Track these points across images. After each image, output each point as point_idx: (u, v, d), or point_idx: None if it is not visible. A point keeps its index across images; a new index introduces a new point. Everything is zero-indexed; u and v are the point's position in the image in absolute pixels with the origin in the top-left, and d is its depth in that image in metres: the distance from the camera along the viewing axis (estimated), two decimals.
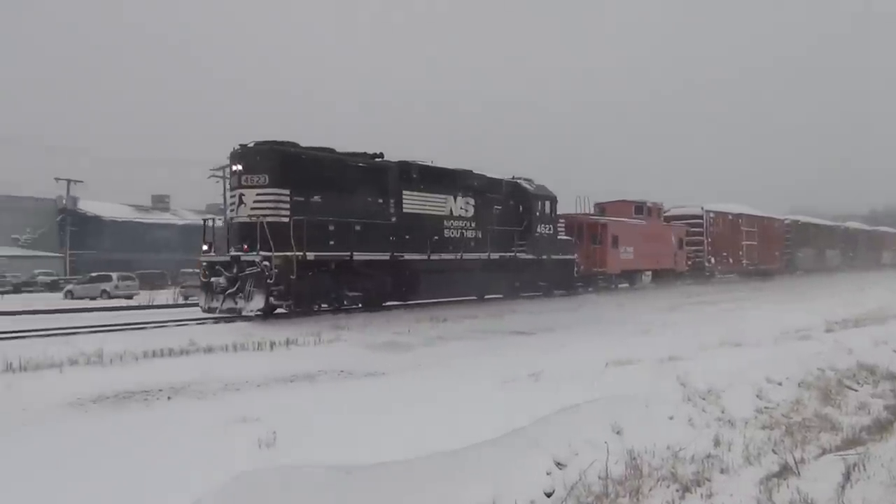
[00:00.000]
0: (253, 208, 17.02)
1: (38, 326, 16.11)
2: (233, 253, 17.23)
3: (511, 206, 25.17)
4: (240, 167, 17.33)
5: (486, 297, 24.47)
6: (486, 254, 23.30)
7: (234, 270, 16.80)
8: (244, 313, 16.53)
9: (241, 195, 17.28)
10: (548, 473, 5.40)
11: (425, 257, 20.70)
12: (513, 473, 5.22)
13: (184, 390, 8.65)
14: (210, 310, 17.09)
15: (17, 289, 47.80)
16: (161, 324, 16.20)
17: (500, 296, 24.74)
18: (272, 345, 12.29)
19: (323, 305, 18.57)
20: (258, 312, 16.69)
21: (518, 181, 26.19)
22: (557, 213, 27.47)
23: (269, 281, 16.22)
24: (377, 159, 20.28)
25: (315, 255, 17.19)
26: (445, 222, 22.02)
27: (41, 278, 52.45)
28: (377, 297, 19.89)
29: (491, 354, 11.80)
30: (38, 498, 4.81)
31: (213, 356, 11.24)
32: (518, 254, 24.72)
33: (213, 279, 17.09)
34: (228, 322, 16.41)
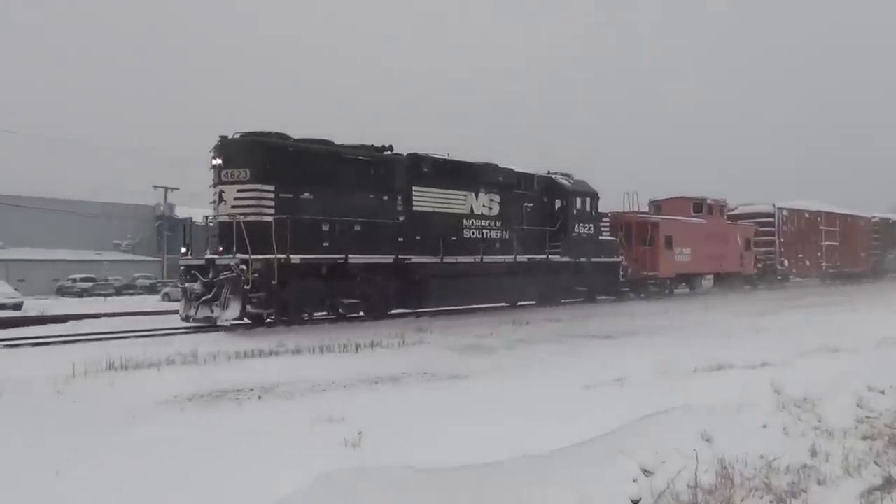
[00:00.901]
0: (233, 206, 15.45)
1: (139, 327, 16.86)
2: (207, 256, 15.82)
3: (544, 203, 23.04)
4: (220, 161, 15.74)
5: (519, 303, 22.36)
6: (513, 256, 21.25)
7: (210, 275, 15.33)
8: (219, 323, 15.06)
9: (220, 192, 15.76)
10: (634, 480, 5.31)
11: (437, 260, 18.79)
12: (598, 479, 5.15)
13: (273, 390, 8.90)
14: (187, 318, 15.63)
15: (118, 291, 50.50)
16: (250, 325, 16.67)
17: (533, 302, 22.66)
18: (357, 347, 12.51)
19: (318, 314, 17.02)
20: (235, 322, 15.28)
21: (553, 176, 23.87)
22: (600, 211, 25.25)
23: (245, 287, 14.67)
24: (385, 152, 18.56)
25: (301, 258, 15.60)
26: (465, 221, 20.07)
27: (140, 281, 55.13)
28: (381, 305, 18.10)
29: (574, 358, 11.66)
30: (139, 490, 5.03)
31: (301, 357, 11.52)
32: (551, 256, 22.53)
33: (187, 285, 15.80)
34: (303, 326, 16.21)
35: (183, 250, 17.14)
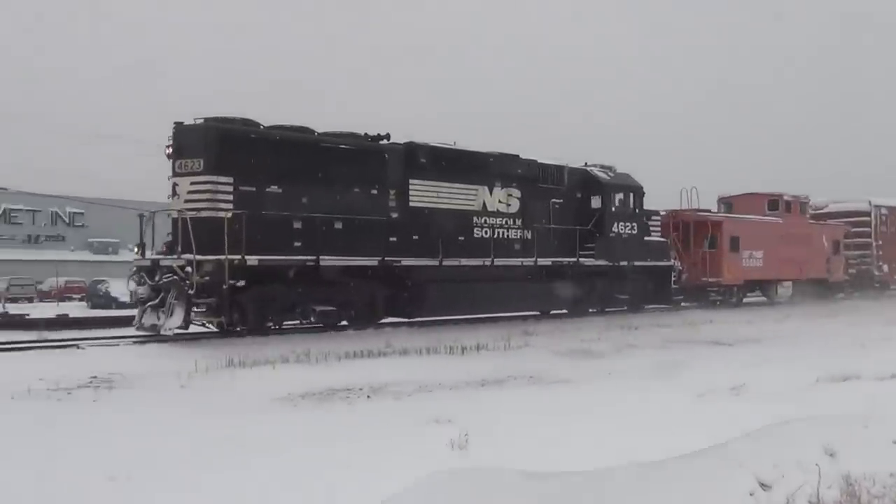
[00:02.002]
0: (186, 201, 13.72)
1: None
2: (152, 256, 14.25)
3: (577, 199, 20.34)
4: (173, 150, 14.03)
5: (553, 311, 19.95)
6: (532, 259, 18.65)
7: (157, 278, 13.48)
8: (162, 332, 13.12)
9: (174, 185, 13.96)
10: (750, 494, 5.08)
11: (435, 263, 16.52)
12: (712, 490, 4.97)
13: (382, 390, 9.09)
14: (139, 325, 13.78)
15: None
16: (361, 327, 16.99)
17: (565, 311, 20.13)
18: (463, 349, 12.60)
19: (291, 323, 15.12)
20: (178, 330, 13.49)
21: (589, 169, 21.08)
22: (648, 209, 22.36)
23: (189, 292, 12.85)
24: (380, 141, 16.62)
25: (260, 260, 13.69)
26: (475, 219, 17.74)
27: None
28: (365, 313, 15.89)
29: (686, 365, 11.31)
30: (254, 479, 5.24)
31: (408, 358, 11.72)
32: (582, 259, 19.70)
33: (135, 288, 14.19)
34: (410, 328, 16.16)
35: (134, 249, 15.11)
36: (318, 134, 15.62)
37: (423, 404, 8.03)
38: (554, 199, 19.57)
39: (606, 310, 20.96)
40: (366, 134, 16.48)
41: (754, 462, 5.40)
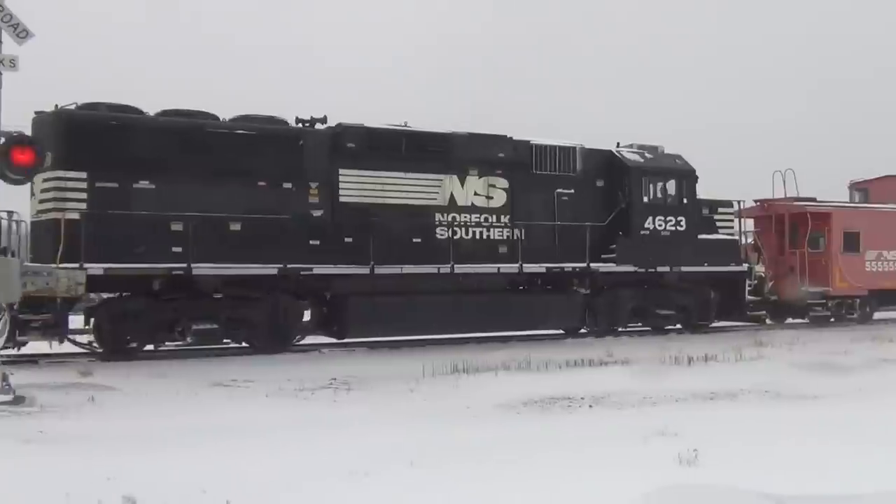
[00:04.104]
0: (41, 201, 12.23)
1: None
2: None
3: (598, 189, 16.40)
4: None
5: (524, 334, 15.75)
6: (516, 265, 15.07)
7: None
8: None
9: (31, 184, 11.87)
10: None
11: (364, 272, 13.55)
12: None
13: (604, 400, 8.94)
14: None
15: None
16: (581, 335, 16.82)
17: (561, 331, 16.49)
18: (690, 360, 12.05)
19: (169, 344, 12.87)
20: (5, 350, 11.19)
21: (618, 151, 16.86)
22: (722, 199, 18.16)
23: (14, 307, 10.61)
24: (316, 126, 13.99)
25: (105, 269, 11.62)
26: (439, 217, 14.69)
27: None
28: (267, 332, 13.27)
29: None
30: (478, 481, 5.35)
31: (631, 368, 11.40)
32: (595, 264, 15.72)
33: None
34: (631, 337, 15.67)
35: None
36: (212, 119, 13.33)
37: (648, 416, 7.78)
38: (561, 190, 15.85)
39: (645, 329, 16.88)
40: (297, 120, 14.03)
41: None
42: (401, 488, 5.09)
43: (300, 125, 14.06)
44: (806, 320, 19.69)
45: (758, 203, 20.41)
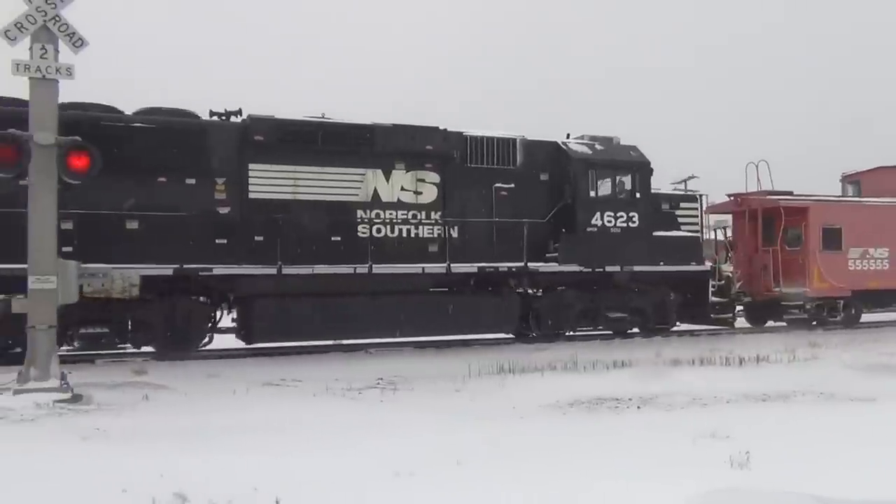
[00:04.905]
0: None
1: None
2: None
3: (543, 184, 15.50)
4: None
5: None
6: (443, 265, 14.26)
7: None
8: None
9: None
10: None
11: (271, 272, 12.96)
12: None
13: (652, 401, 8.83)
14: None
15: None
16: (628, 336, 16.65)
17: (506, 336, 15.52)
18: (741, 361, 11.83)
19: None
20: None
21: (565, 142, 15.86)
22: (683, 191, 17.21)
23: None
24: (233, 118, 13.38)
25: None
26: (360, 214, 13.99)
27: None
28: (167, 335, 12.66)
29: None
30: (527, 484, 5.34)
31: (678, 369, 11.24)
32: (535, 263, 14.92)
33: None
34: (681, 336, 15.61)
35: None
36: (118, 114, 12.76)
37: (697, 417, 7.65)
38: (500, 185, 15.02)
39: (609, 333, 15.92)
40: (211, 113, 13.28)
41: None
42: (448, 488, 5.10)
43: (213, 118, 13.44)
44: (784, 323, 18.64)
45: (731, 197, 19.20)
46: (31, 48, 8.89)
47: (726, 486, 4.62)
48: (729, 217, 19.62)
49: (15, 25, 8.81)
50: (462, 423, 7.53)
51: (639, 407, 8.57)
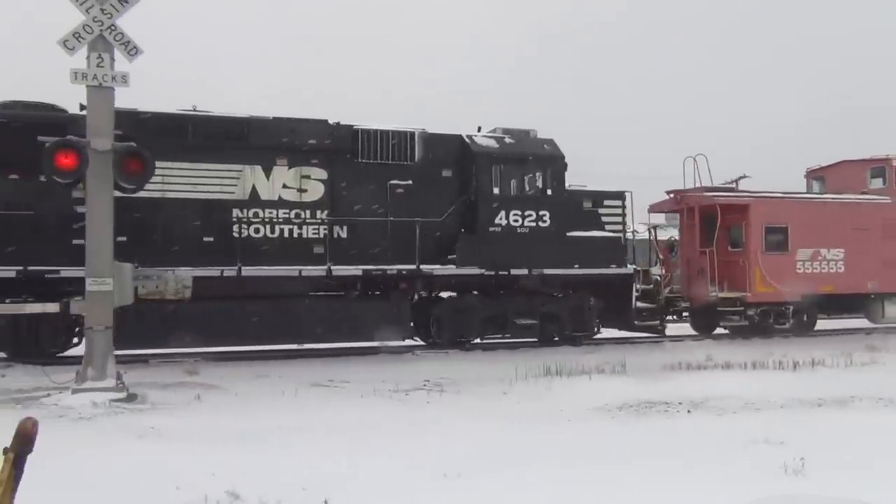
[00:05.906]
0: None
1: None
2: None
3: (442, 179, 14.30)
4: None
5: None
6: (323, 267, 13.14)
7: None
8: None
9: None
10: None
11: None
12: None
13: (703, 405, 8.68)
14: None
15: None
16: (677, 338, 16.39)
17: (393, 343, 13.98)
18: (795, 364, 11.55)
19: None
20: None
21: (470, 135, 14.64)
22: (608, 189, 15.81)
23: None
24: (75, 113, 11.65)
25: None
26: (237, 213, 12.98)
27: None
28: (14, 342, 12.00)
29: None
30: (577, 483, 5.30)
31: (730, 373, 11.03)
32: (429, 266, 13.76)
33: None
34: (745, 339, 15.47)
35: None
36: None
37: (750, 422, 7.50)
38: (395, 181, 13.92)
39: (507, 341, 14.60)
40: (81, 107, 11.43)
41: None
42: (496, 490, 5.10)
43: (76, 113, 11.74)
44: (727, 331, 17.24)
45: (671, 195, 17.81)
46: (87, 57, 9.14)
47: (780, 494, 4.52)
48: (663, 217, 18.65)
49: (73, 35, 9.06)
50: (509, 425, 7.51)
51: (689, 411, 8.43)
